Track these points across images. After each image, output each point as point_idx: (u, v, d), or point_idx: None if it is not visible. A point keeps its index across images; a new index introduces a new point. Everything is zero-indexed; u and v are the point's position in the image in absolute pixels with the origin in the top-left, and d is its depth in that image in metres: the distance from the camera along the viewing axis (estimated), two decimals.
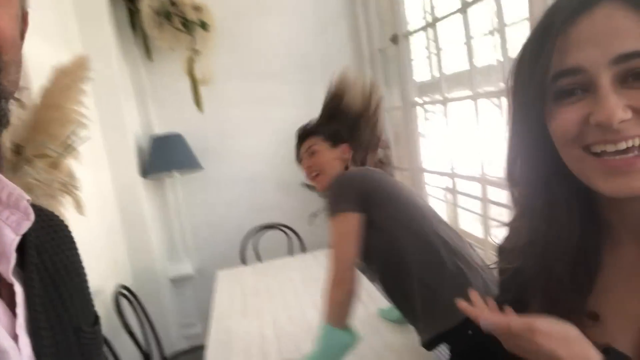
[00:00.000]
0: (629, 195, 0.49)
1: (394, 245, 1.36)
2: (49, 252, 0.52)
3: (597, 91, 0.47)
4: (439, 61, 2.43)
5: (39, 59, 1.58)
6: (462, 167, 2.54)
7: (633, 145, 0.48)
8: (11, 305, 0.44)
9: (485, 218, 2.39)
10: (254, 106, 3.40)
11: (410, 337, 1.60)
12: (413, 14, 2.73)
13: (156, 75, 3.20)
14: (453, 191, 2.55)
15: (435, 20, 2.34)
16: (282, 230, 3.24)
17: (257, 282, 2.52)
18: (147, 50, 3.06)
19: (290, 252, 3.19)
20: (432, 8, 2.38)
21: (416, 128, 2.79)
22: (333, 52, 3.32)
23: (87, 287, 0.58)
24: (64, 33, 2.29)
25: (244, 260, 3.13)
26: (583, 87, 0.49)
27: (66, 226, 0.59)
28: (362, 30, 3.18)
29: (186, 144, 3.13)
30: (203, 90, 3.14)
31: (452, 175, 2.51)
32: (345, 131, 1.58)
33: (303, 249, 3.18)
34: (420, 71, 2.85)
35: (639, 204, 0.52)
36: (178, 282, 3.34)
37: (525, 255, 0.61)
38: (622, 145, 0.48)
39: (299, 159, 1.64)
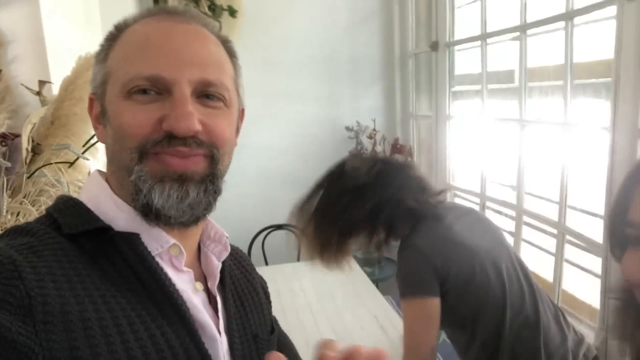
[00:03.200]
0: None
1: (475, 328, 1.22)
2: (237, 277, 0.72)
3: None
4: (484, 73, 2.28)
5: (61, 43, 1.42)
6: (495, 188, 2.43)
7: None
8: (215, 311, 0.62)
9: (518, 241, 2.28)
10: (273, 98, 3.24)
11: None
12: (459, 22, 2.57)
13: None
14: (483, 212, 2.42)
15: (487, 35, 2.19)
16: (293, 232, 3.09)
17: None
18: None
19: (300, 257, 3.06)
20: (485, 21, 2.22)
21: (446, 142, 2.66)
22: (362, 51, 3.15)
23: (265, 305, 0.77)
24: (86, 12, 2.10)
25: None
26: None
27: (248, 259, 0.80)
28: (396, 32, 3.02)
29: None
30: None
31: (482, 197, 2.39)
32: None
33: None
34: (457, 77, 2.71)
35: None
36: None
37: None
38: None
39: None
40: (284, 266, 2.72)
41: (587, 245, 1.81)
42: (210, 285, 0.63)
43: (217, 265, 0.64)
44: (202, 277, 0.64)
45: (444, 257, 1.17)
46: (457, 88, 2.83)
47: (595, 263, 2.01)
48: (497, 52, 2.47)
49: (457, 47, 2.63)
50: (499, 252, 1.25)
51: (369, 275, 3.07)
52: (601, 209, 1.84)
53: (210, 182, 0.58)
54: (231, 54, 0.65)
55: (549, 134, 2.10)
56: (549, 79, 2.33)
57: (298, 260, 3.02)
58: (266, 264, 2.98)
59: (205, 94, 0.57)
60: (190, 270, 0.60)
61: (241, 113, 0.67)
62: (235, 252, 0.75)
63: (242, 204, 3.36)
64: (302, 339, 1.85)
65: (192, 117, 0.54)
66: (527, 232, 2.56)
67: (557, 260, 2.00)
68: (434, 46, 2.59)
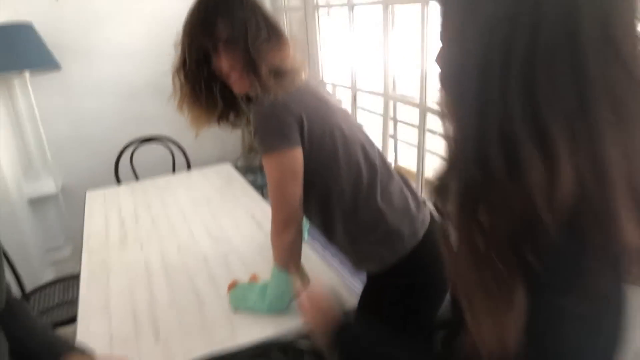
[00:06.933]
0: None
1: (327, 182, 1.21)
2: None
3: None
4: None
5: None
6: (366, 79, 2.40)
7: None
8: None
9: (386, 135, 2.31)
10: None
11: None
12: None
13: None
14: (354, 105, 2.41)
15: None
16: (163, 143, 2.88)
17: (136, 204, 2.21)
18: None
19: (174, 169, 2.88)
20: None
21: (316, 34, 2.54)
22: None
23: None
24: None
25: (118, 179, 2.75)
26: None
27: None
28: None
29: (38, 36, 2.52)
30: None
31: (353, 89, 2.35)
32: None
33: (188, 165, 2.88)
34: None
35: None
36: (38, 202, 2.88)
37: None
38: None
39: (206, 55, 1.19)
40: (156, 180, 2.53)
41: None
42: None
43: None
44: None
45: (302, 107, 1.14)
46: None
47: None
48: None
49: None
50: (347, 114, 1.29)
51: (252, 182, 3.01)
52: None
53: None
54: None
55: (413, 21, 2.07)
56: None
57: (173, 171, 2.84)
58: (136, 178, 2.76)
59: None
60: None
61: None
62: None
63: (104, 115, 3.04)
64: (175, 245, 1.75)
65: None
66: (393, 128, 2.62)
67: (420, 148, 2.07)
68: None
